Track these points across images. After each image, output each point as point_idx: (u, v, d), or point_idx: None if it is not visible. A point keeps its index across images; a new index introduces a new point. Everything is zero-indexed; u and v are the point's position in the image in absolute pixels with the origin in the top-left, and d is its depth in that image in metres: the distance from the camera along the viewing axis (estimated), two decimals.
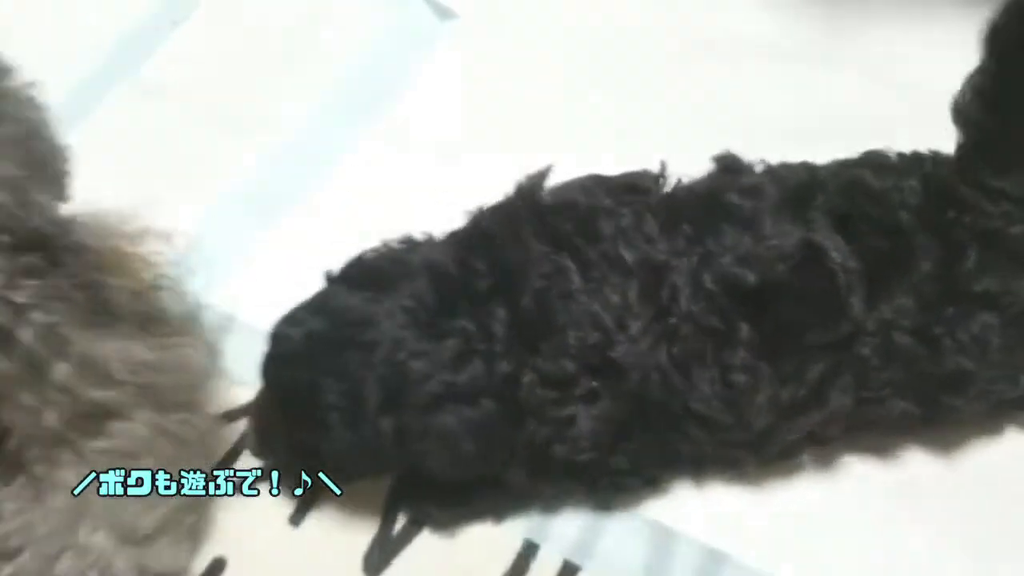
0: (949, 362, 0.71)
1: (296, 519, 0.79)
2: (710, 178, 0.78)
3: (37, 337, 0.68)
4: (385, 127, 1.05)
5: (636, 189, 0.77)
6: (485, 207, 0.78)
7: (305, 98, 1.08)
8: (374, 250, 0.78)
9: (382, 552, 0.78)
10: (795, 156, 0.80)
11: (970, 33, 0.99)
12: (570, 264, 0.71)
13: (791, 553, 0.77)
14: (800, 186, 0.74)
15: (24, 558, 0.68)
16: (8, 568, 0.67)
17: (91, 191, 0.75)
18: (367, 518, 0.79)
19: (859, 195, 0.73)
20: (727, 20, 1.10)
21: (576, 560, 0.77)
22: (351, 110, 1.07)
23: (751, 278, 0.70)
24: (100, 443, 0.71)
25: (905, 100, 0.96)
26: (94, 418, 0.71)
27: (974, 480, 0.79)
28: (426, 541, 0.78)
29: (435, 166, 1.00)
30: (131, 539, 0.72)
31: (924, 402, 0.73)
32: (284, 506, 0.80)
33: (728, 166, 0.77)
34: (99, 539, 0.71)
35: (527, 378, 0.71)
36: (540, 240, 0.73)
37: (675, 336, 0.70)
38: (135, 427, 0.72)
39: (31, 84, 0.71)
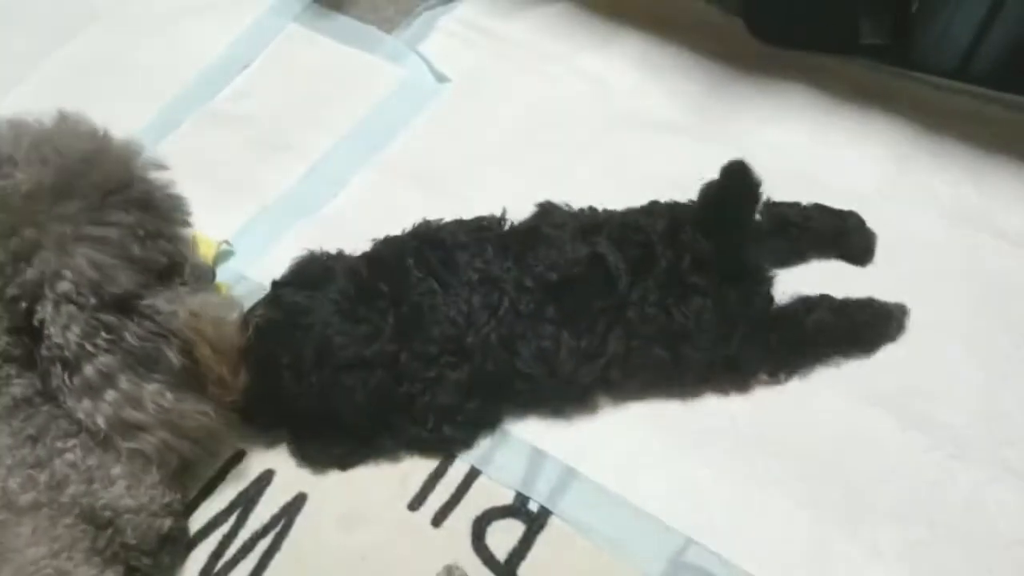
0: (676, 323, 0.94)
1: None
2: (534, 217, 1.00)
3: (95, 372, 0.83)
4: (386, 160, 1.24)
5: (484, 228, 0.99)
6: (385, 238, 0.99)
7: (329, 133, 1.27)
8: (304, 257, 0.97)
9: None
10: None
11: (807, 122, 1.23)
12: (436, 286, 0.94)
13: (621, 472, 0.96)
14: (592, 223, 0.99)
15: None
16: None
17: None
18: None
19: (628, 227, 0.98)
20: (638, 103, 1.28)
21: (479, 467, 0.97)
22: (362, 145, 1.26)
23: (554, 276, 0.94)
24: (128, 444, 0.87)
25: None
26: (127, 428, 0.86)
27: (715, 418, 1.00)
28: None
29: (418, 192, 1.18)
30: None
31: (668, 350, 0.95)
32: None
33: (545, 209, 1.01)
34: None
35: (404, 355, 0.93)
36: (418, 267, 0.95)
37: (501, 323, 0.93)
38: (153, 441, 0.88)
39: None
